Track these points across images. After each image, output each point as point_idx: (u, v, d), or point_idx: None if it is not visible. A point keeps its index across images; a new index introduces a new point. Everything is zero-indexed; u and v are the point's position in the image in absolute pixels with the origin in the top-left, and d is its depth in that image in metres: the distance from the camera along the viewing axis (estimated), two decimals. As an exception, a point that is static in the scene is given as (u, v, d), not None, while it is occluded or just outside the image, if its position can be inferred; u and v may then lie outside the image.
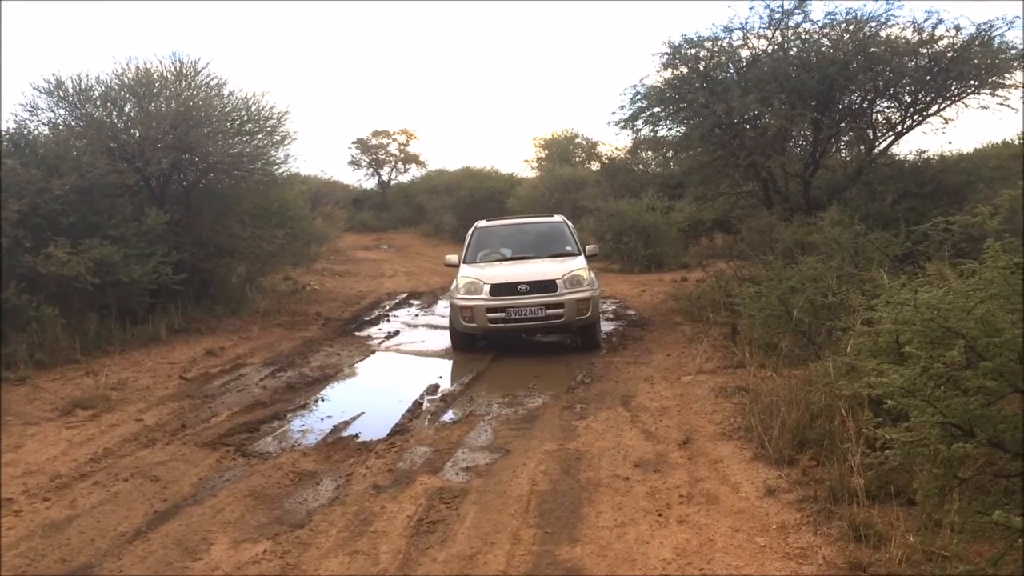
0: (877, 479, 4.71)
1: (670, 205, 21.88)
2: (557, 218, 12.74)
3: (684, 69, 12.70)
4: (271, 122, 13.89)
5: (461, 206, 31.52)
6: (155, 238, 11.84)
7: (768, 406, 6.14)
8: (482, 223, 12.60)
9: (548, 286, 10.28)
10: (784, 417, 5.76)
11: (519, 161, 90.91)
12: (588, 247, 11.75)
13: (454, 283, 10.93)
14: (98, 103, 12.84)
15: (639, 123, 13.41)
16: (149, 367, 9.86)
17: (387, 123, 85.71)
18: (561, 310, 10.19)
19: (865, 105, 12.69)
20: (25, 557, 4.60)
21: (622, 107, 13.45)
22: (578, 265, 10.78)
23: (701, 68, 12.57)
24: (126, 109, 12.93)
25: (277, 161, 14.65)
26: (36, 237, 10.48)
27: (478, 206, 29.32)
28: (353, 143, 49.52)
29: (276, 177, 14.90)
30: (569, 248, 11.67)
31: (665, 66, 12.87)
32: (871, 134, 12.96)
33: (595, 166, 33.88)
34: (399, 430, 7.22)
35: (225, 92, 13.52)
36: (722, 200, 15.75)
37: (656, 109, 13.15)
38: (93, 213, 11.28)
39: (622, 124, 13.42)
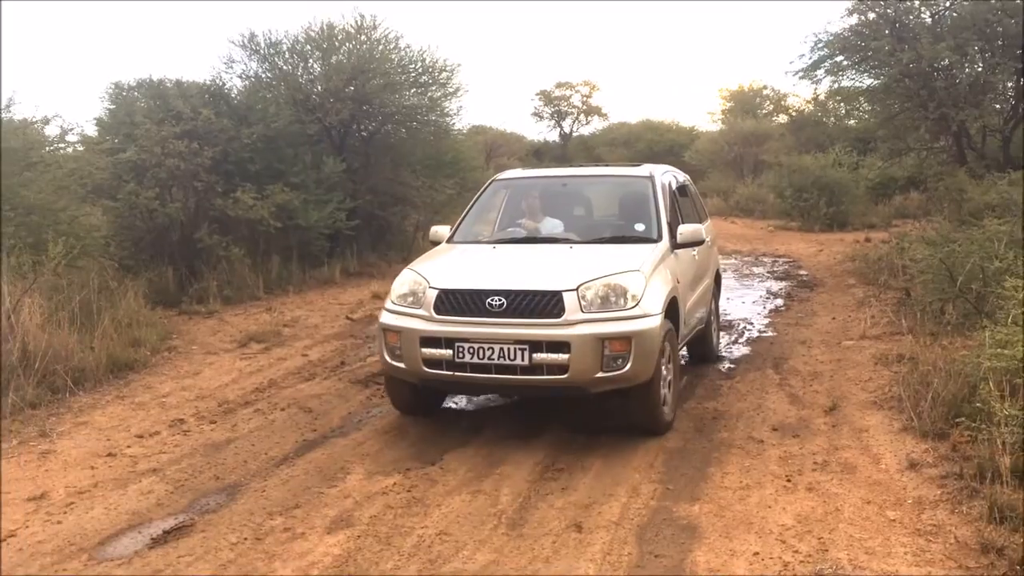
0: (1034, 459, 4.35)
1: (859, 161, 20.65)
2: (643, 171, 7.10)
3: (872, 15, 11.85)
4: (444, 74, 14.23)
5: (639, 159, 31.13)
6: (332, 186, 12.53)
7: (923, 376, 5.77)
8: (506, 175, 7.73)
9: (545, 303, 5.26)
10: (938, 388, 5.39)
11: (703, 113, 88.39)
12: (683, 228, 6.36)
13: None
14: (286, 56, 13.65)
15: (820, 72, 12.71)
16: (320, 307, 10.53)
17: (571, 74, 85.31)
18: (564, 357, 5.14)
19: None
20: (185, 472, 5.10)
21: (801, 56, 12.81)
22: (630, 264, 5.58)
23: (890, 13, 11.68)
24: (310, 62, 13.66)
25: (450, 112, 15.04)
26: (227, 182, 11.35)
27: (656, 159, 28.85)
28: (536, 95, 49.69)
29: (449, 128, 15.29)
30: (641, 228, 6.45)
31: (851, 11, 12.07)
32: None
33: (782, 119, 32.52)
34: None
35: (402, 45, 13.99)
36: (913, 156, 14.75)
37: (839, 58, 12.38)
38: (277, 161, 12.08)
39: (801, 74, 12.77)
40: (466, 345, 5.28)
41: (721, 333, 8.85)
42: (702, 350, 7.66)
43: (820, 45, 12.43)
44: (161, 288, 10.38)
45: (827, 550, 3.88)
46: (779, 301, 10.91)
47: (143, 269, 10.69)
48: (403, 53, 13.94)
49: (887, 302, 9.56)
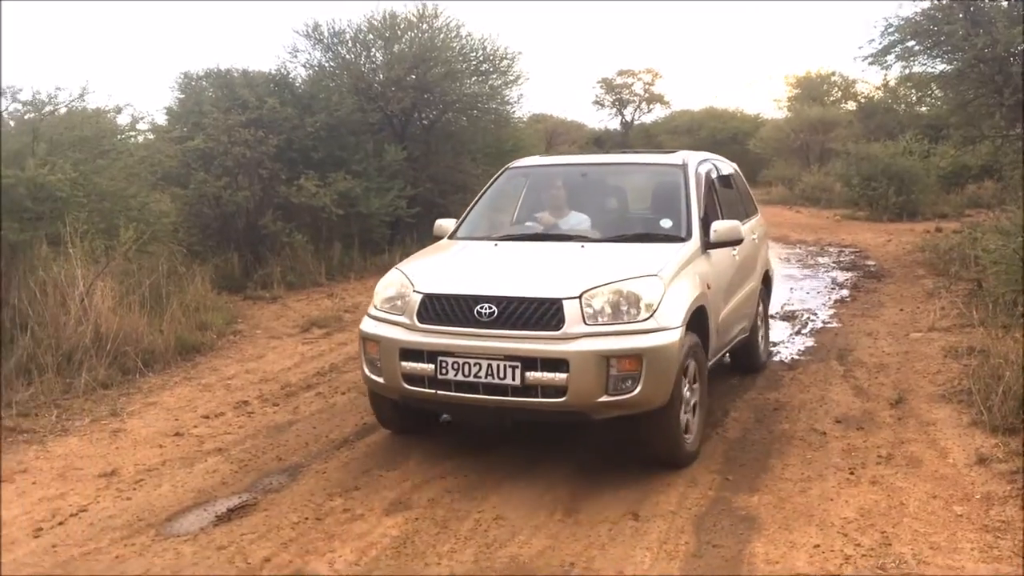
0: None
1: (930, 149, 20.09)
2: (675, 158, 6.15)
3: (946, -1, 11.50)
4: (505, 62, 14.23)
5: (701, 147, 30.83)
6: (393, 173, 12.65)
7: (995, 369, 5.60)
8: (523, 162, 6.96)
9: (542, 313, 4.53)
10: (1010, 382, 5.23)
11: (768, 100, 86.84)
12: (718, 225, 5.44)
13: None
14: (349, 45, 13.78)
15: (890, 58, 12.36)
16: (381, 293, 10.63)
17: (633, 62, 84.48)
18: (562, 376, 4.39)
19: None
20: (248, 452, 5.21)
21: (871, 41, 12.48)
22: (647, 267, 4.78)
23: (965, -4, 11.32)
24: (373, 51, 13.79)
25: (511, 100, 15.03)
26: (291, 170, 11.53)
27: (719, 148, 28.54)
28: (598, 82, 49.36)
29: (509, 116, 15.29)
30: (668, 224, 5.60)
31: (924, -5, 11.72)
32: None
33: (851, 106, 31.82)
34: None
35: (463, 33, 14.01)
36: (987, 144, 14.30)
37: (910, 43, 12.03)
38: (340, 149, 12.25)
39: (870, 59, 12.45)
40: (450, 360, 4.57)
41: (784, 323, 8.75)
42: (746, 361, 6.90)
43: (891, 30, 12.09)
44: (227, 273, 10.64)
45: (890, 544, 3.80)
46: (844, 292, 10.70)
47: (210, 255, 10.95)
48: (464, 41, 13.96)
49: (958, 293, 9.30)
